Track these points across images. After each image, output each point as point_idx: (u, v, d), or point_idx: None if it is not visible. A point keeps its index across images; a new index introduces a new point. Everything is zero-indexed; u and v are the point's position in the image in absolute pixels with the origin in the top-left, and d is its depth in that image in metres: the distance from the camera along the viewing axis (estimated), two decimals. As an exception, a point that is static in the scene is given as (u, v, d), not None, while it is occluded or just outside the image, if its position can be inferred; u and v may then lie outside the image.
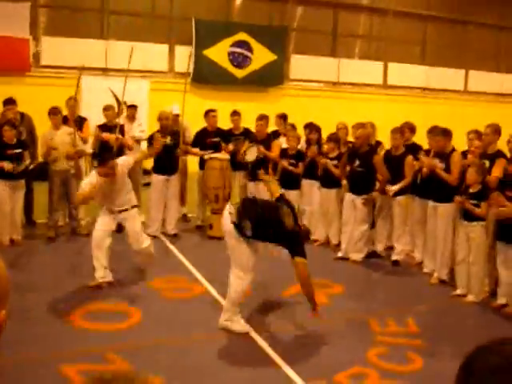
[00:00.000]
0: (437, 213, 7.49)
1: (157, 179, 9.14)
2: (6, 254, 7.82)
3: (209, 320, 5.83)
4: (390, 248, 8.48)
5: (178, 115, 9.75)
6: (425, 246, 8.03)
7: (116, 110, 9.61)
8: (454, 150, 7.54)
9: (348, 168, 8.29)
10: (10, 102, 9.09)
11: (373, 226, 8.48)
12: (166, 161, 9.01)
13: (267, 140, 9.30)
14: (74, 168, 8.93)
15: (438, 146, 7.57)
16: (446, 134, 7.55)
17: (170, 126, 9.24)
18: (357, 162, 8.12)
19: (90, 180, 6.64)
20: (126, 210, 6.94)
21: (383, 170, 8.05)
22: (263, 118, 9.38)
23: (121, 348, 5.22)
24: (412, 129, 8.79)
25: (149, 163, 9.64)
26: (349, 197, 8.31)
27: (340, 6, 17.64)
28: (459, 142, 8.22)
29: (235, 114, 9.87)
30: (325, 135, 9.33)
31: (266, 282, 7.13)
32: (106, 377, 1.02)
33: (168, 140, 9.01)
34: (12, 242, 8.39)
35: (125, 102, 10.10)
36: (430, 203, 7.62)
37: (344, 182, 8.42)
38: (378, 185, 8.22)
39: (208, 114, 9.80)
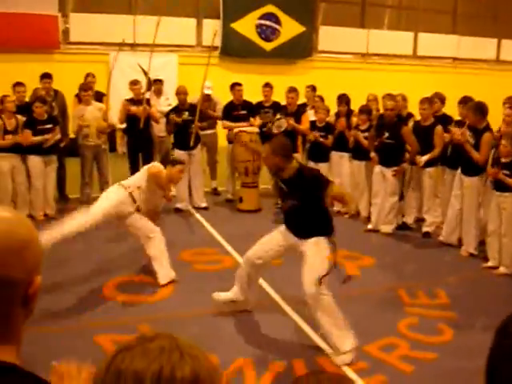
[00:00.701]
0: (463, 186, 7.43)
1: (179, 154, 9.13)
2: (40, 228, 7.96)
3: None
4: (420, 220, 8.44)
5: (208, 95, 9.78)
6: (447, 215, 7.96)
7: (143, 84, 9.65)
8: (487, 127, 7.28)
9: (377, 140, 8.22)
10: (46, 76, 9.28)
11: (401, 197, 8.44)
12: (186, 136, 9.03)
13: (297, 113, 9.25)
14: (105, 143, 9.05)
15: (468, 120, 7.39)
16: (478, 111, 7.21)
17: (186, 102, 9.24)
18: (386, 134, 8.06)
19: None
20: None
21: (412, 141, 7.96)
22: (294, 91, 9.32)
23: (153, 319, 5.31)
24: (442, 99, 8.65)
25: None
26: (378, 169, 8.26)
27: (369, -25, 17.36)
28: (491, 113, 8.06)
29: (267, 85, 9.84)
30: (354, 107, 9.27)
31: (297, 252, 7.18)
32: (148, 335, 1.06)
33: (186, 116, 9.03)
34: (46, 216, 8.55)
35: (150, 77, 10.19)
36: (458, 172, 7.53)
37: (373, 154, 8.36)
38: (407, 156, 8.16)
39: (234, 87, 9.83)
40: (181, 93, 9.25)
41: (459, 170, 7.48)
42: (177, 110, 9.17)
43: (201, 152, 9.59)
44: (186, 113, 9.07)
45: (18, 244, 1.21)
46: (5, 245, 1.19)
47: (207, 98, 9.76)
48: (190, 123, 9.00)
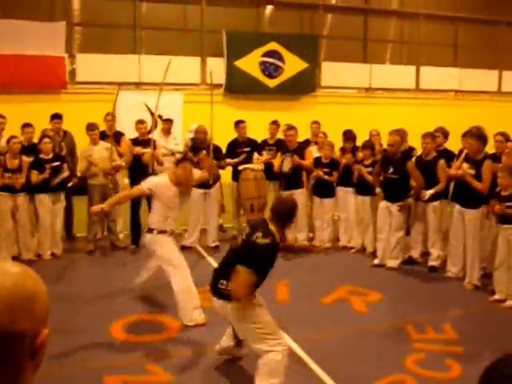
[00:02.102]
0: (464, 218, 7.47)
1: (195, 192, 9.13)
2: (47, 268, 8.04)
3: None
4: (426, 254, 8.45)
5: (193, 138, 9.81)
6: (449, 249, 7.99)
7: (150, 124, 9.72)
8: (486, 156, 7.42)
9: (382, 175, 8.29)
10: (56, 116, 9.47)
11: (407, 233, 8.47)
12: None
13: (299, 149, 9.33)
14: (112, 183, 9.11)
15: (470, 149, 7.46)
16: (480, 138, 7.37)
17: (206, 141, 9.26)
18: (390, 169, 8.12)
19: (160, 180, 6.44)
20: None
21: (417, 176, 8.02)
22: (292, 128, 9.39)
23: (161, 358, 5.32)
24: (445, 134, 8.71)
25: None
26: (384, 204, 8.31)
27: (370, 11, 17.67)
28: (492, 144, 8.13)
29: (274, 123, 9.90)
30: (359, 142, 9.35)
31: (305, 290, 7.21)
32: None
33: (203, 154, 9.08)
34: (53, 256, 8.61)
35: (160, 116, 10.23)
36: (457, 207, 7.59)
37: (378, 189, 8.43)
38: (412, 191, 8.21)
39: (238, 125, 9.89)
40: (200, 132, 9.27)
41: (458, 206, 7.55)
42: (195, 149, 9.23)
43: (218, 191, 9.60)
44: (204, 151, 9.11)
45: (25, 298, 1.24)
46: (12, 299, 1.21)
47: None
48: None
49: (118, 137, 9.58)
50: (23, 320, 1.22)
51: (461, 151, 7.89)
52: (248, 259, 4.37)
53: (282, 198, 5.18)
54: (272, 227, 4.53)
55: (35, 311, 1.26)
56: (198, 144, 9.27)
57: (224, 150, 9.85)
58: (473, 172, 7.30)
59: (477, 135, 7.43)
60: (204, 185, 9.02)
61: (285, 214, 4.65)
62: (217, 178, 9.32)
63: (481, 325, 6.34)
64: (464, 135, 8.06)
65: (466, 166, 7.37)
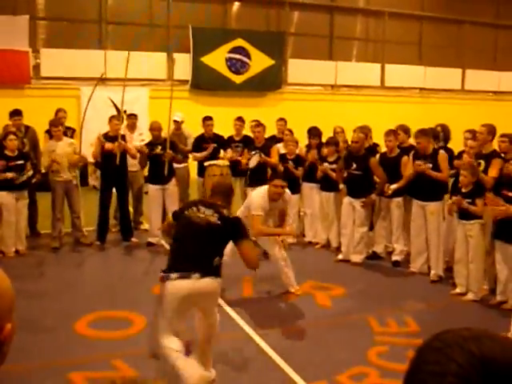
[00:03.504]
0: (425, 212, 7.64)
1: (152, 189, 9.12)
2: (11, 265, 7.94)
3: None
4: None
5: (181, 122, 9.86)
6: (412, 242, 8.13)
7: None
8: (438, 148, 7.66)
9: (345, 172, 8.38)
10: (16, 113, 9.24)
11: (371, 228, 8.59)
12: (159, 170, 8.97)
13: (265, 146, 9.36)
14: (76, 178, 9.04)
15: (419, 147, 7.66)
16: (425, 133, 7.63)
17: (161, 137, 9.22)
18: (354, 166, 8.22)
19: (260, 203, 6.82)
20: None
21: (380, 172, 8.14)
22: (260, 125, 9.43)
23: (127, 355, 5.30)
24: (406, 131, 8.72)
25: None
26: (347, 200, 8.40)
27: (336, 9, 17.80)
28: (458, 142, 8.30)
29: (239, 119, 9.90)
30: (324, 138, 9.42)
31: (268, 284, 7.25)
32: (117, 383, 1.11)
33: (159, 150, 9.03)
34: (17, 253, 8.50)
35: (124, 111, 10.15)
36: (418, 202, 7.74)
37: (341, 186, 8.52)
38: (377, 186, 8.32)
39: (204, 122, 9.90)
40: (155, 129, 9.18)
41: (417, 201, 7.71)
42: (150, 144, 9.19)
43: (176, 186, 9.52)
44: (159, 147, 9.05)
45: None
46: None
47: (177, 127, 9.84)
48: (163, 157, 9.01)
49: (69, 132, 9.53)
50: None
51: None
52: (243, 232, 4.61)
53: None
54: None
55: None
56: (153, 140, 9.23)
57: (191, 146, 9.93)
58: (430, 165, 7.48)
59: (422, 132, 7.66)
60: (160, 180, 8.99)
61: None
62: (173, 173, 9.25)
63: (442, 318, 6.45)
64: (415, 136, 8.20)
65: (418, 162, 7.54)
